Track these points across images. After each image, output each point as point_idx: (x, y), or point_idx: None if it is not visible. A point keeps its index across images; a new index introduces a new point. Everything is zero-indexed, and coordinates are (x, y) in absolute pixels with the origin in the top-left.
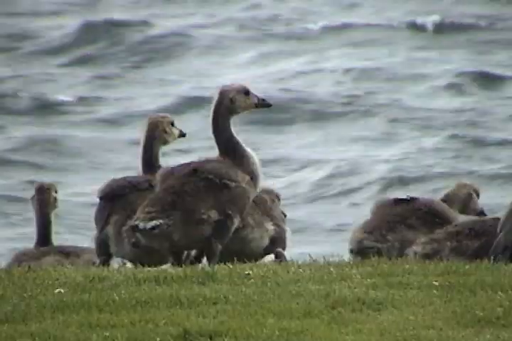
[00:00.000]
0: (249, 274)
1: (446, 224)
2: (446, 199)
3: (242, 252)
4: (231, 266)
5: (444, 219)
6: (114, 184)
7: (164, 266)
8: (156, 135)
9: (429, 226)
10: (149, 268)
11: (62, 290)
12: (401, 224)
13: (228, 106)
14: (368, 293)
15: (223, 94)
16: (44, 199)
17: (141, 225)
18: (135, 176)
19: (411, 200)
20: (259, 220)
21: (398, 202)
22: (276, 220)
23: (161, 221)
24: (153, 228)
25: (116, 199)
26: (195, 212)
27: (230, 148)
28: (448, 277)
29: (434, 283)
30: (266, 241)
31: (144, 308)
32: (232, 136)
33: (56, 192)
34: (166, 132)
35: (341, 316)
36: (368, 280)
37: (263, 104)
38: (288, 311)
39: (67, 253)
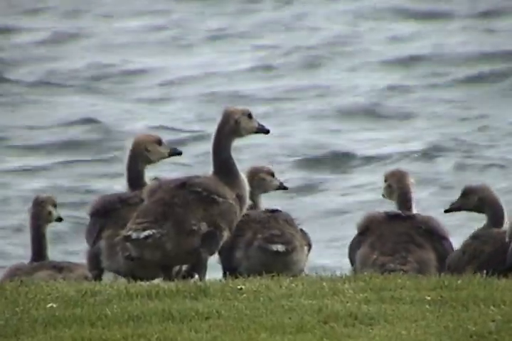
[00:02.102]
0: (241, 289)
1: (442, 240)
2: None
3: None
4: (223, 281)
5: (440, 236)
6: (104, 200)
7: (156, 281)
8: (138, 154)
9: (429, 243)
10: (141, 283)
11: (54, 305)
12: (411, 243)
13: (233, 127)
14: (360, 307)
15: (229, 115)
16: (37, 213)
17: (134, 235)
18: (125, 192)
19: (407, 217)
20: (301, 243)
21: (392, 217)
22: (307, 240)
23: (154, 231)
24: (146, 237)
25: (107, 214)
26: (185, 223)
27: (225, 168)
28: (440, 292)
29: (427, 297)
30: (304, 263)
31: (136, 323)
32: (230, 158)
33: (55, 206)
34: (148, 151)
35: (334, 331)
36: (361, 294)
37: (262, 129)
38: (280, 326)
39: (61, 268)
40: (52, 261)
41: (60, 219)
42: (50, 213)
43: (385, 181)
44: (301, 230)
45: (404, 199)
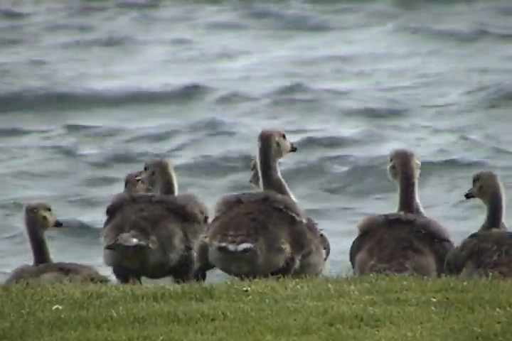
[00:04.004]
0: (247, 291)
1: (443, 242)
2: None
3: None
4: (229, 283)
5: (441, 238)
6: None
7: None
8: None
9: (429, 247)
10: (147, 285)
11: (60, 307)
12: (409, 249)
13: (276, 149)
14: (365, 309)
15: (269, 138)
16: (31, 219)
17: (231, 247)
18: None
19: (407, 222)
20: (318, 246)
21: (392, 221)
22: (325, 245)
23: (251, 245)
24: (245, 250)
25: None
26: (276, 241)
27: (276, 188)
28: (446, 293)
29: (432, 299)
30: (322, 267)
31: (141, 325)
32: (279, 178)
33: (49, 209)
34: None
35: (339, 333)
36: (366, 296)
37: (293, 148)
38: (286, 328)
39: (67, 270)
40: (58, 262)
41: (59, 224)
42: (45, 218)
43: (390, 161)
44: (321, 235)
45: (406, 185)
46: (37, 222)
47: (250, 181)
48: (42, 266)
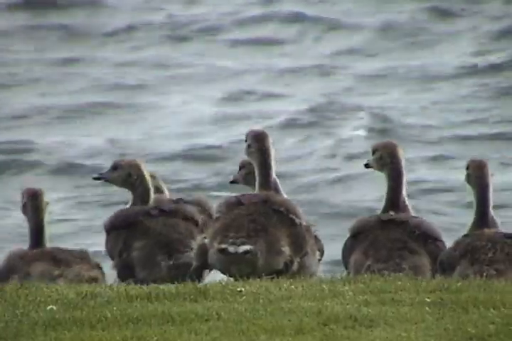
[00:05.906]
0: (241, 291)
1: (436, 241)
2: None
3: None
4: (223, 283)
5: (434, 238)
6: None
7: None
8: None
9: (422, 247)
10: (141, 285)
11: (54, 307)
12: (404, 249)
13: (270, 149)
14: (360, 309)
15: (267, 138)
16: (38, 204)
17: (232, 249)
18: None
19: (401, 222)
20: (313, 248)
21: (385, 222)
22: (320, 246)
23: (251, 246)
24: (245, 252)
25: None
26: (276, 243)
27: (274, 188)
28: (440, 294)
29: (427, 300)
30: (316, 268)
31: (135, 325)
32: (275, 178)
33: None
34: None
35: (333, 333)
36: (360, 296)
37: None
38: (280, 328)
39: (59, 260)
40: (52, 249)
41: None
42: (47, 204)
43: (374, 152)
44: (315, 236)
45: (396, 176)
46: (43, 207)
47: (234, 181)
48: (36, 252)
